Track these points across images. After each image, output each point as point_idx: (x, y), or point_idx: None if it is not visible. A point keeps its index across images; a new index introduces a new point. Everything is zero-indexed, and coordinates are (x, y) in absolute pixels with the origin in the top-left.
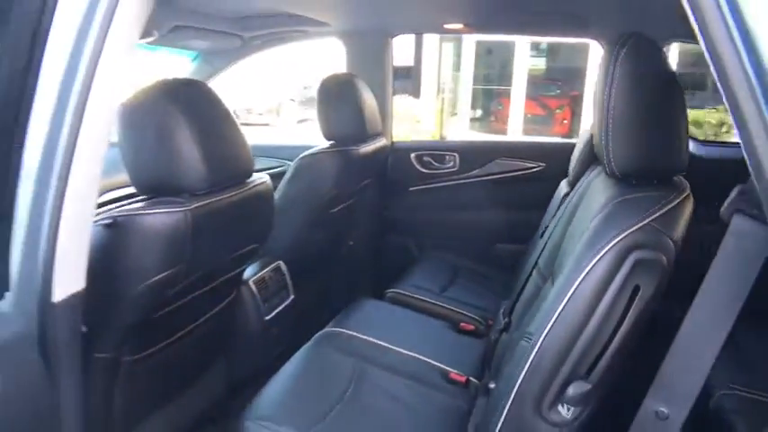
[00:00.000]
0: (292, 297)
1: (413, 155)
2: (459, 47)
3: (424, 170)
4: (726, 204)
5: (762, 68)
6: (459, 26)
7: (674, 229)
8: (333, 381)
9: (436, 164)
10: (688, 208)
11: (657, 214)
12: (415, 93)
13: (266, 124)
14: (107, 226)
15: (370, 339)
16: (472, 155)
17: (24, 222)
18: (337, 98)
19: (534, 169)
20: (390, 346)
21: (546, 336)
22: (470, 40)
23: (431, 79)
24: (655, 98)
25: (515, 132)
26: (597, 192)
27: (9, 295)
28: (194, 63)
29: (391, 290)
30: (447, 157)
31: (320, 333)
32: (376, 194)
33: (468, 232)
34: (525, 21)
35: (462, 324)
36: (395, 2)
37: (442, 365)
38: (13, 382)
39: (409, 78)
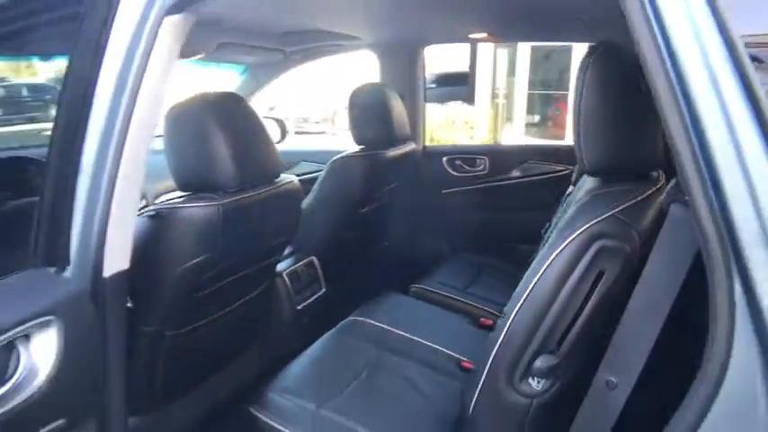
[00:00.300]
0: (324, 290)
1: (444, 158)
2: (514, 53)
3: (455, 173)
4: (664, 195)
5: (676, 62)
6: (483, 35)
7: (640, 221)
8: (351, 363)
9: (467, 167)
10: (658, 201)
11: (623, 206)
12: (470, 99)
13: (322, 132)
14: (151, 217)
15: (390, 329)
16: (502, 158)
17: (82, 211)
18: (366, 105)
19: (563, 172)
20: (408, 336)
21: (516, 313)
22: (525, 46)
23: (485, 85)
24: (620, 101)
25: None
26: (581, 189)
27: (70, 268)
28: (242, 77)
29: (415, 285)
30: (477, 160)
31: (344, 321)
32: (408, 196)
33: (497, 233)
34: (547, 27)
35: (482, 319)
36: (421, 16)
37: (455, 354)
38: (78, 321)
39: (464, 85)
